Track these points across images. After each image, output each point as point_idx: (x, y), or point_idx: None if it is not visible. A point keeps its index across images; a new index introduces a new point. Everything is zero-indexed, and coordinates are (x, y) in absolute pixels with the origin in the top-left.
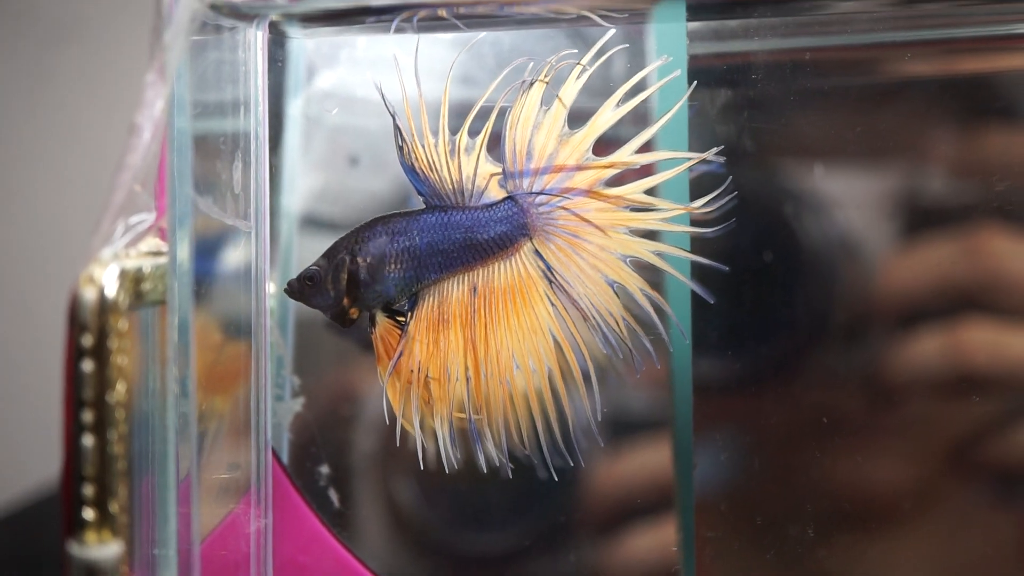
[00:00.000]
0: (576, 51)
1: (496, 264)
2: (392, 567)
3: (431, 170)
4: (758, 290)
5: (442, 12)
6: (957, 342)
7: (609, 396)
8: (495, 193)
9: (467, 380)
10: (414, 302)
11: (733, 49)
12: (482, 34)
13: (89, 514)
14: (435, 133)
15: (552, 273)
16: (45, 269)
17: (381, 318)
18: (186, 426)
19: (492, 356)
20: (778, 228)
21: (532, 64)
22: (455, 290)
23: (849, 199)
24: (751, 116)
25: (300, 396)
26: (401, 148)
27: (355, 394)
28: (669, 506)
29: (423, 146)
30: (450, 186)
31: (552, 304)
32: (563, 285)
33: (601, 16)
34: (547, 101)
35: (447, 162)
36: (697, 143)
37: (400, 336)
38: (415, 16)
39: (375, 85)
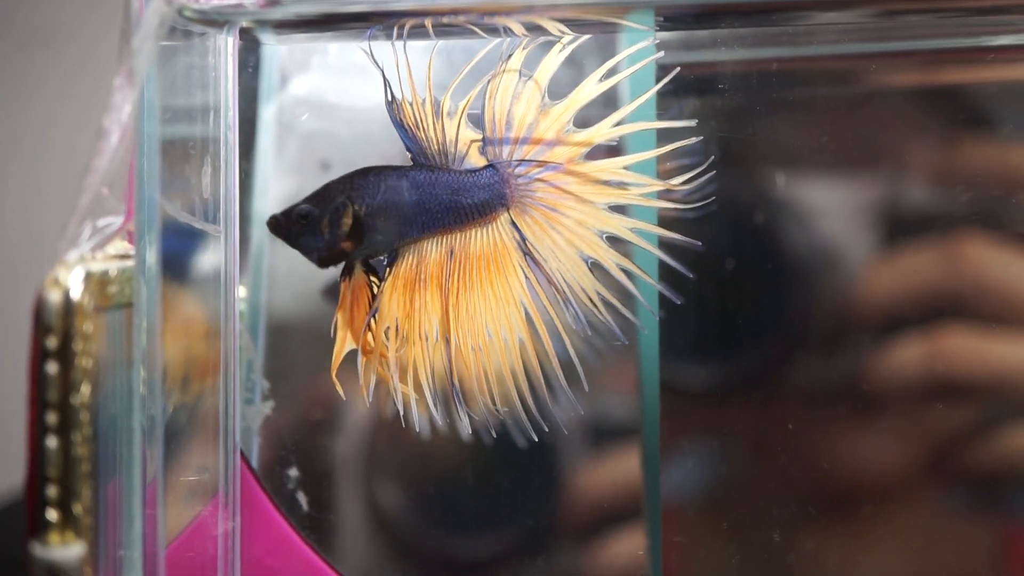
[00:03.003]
0: (559, 35)
1: (473, 230)
2: (362, 570)
3: (418, 128)
4: (726, 298)
5: (428, 23)
6: (936, 349)
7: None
8: (475, 159)
9: (447, 343)
10: (393, 258)
11: (701, 59)
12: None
13: (52, 515)
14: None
15: (526, 245)
16: (13, 271)
17: (359, 271)
18: (153, 428)
19: (464, 321)
20: (747, 236)
21: (509, 40)
22: (434, 251)
23: (818, 208)
24: (719, 125)
25: (270, 399)
26: (391, 103)
27: (326, 397)
28: (637, 511)
29: (411, 103)
30: (435, 147)
31: (525, 276)
32: (536, 258)
33: (571, 26)
34: (526, 73)
35: (433, 122)
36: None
37: (375, 291)
38: (404, 25)
39: (363, 49)
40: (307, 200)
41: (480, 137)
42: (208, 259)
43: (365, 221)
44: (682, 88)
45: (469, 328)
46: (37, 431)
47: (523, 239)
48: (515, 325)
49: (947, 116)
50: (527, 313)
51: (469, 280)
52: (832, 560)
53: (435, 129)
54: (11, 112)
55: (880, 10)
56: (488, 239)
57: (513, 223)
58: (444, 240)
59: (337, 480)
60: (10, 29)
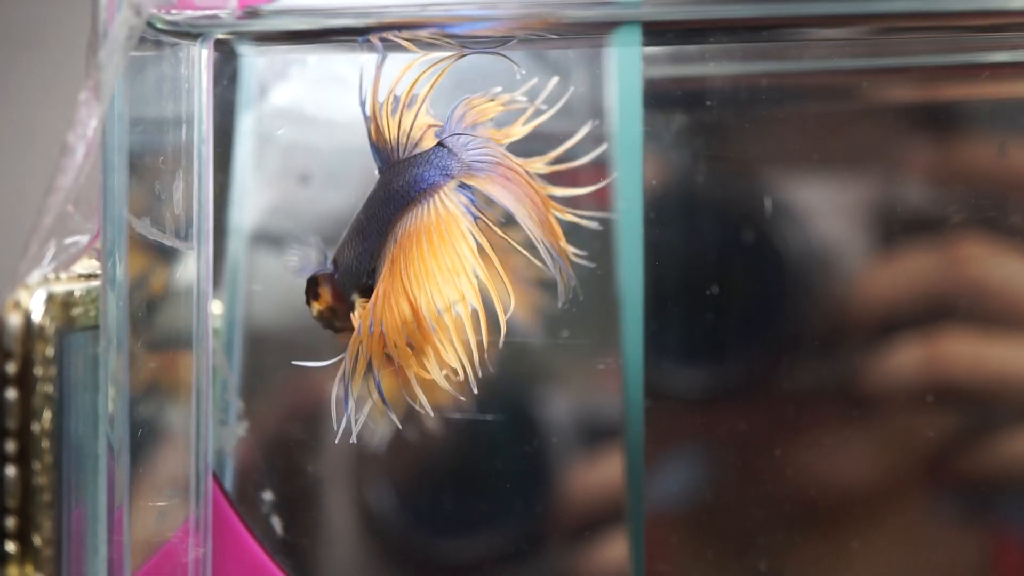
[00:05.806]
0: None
1: (413, 209)
2: None
3: (378, 134)
4: (714, 315)
5: (426, 35)
6: (934, 353)
7: (570, 435)
8: (429, 145)
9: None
10: (373, 279)
11: (690, 73)
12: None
13: (11, 547)
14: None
15: (475, 207)
16: None
17: (358, 302)
18: (120, 451)
19: (422, 301)
20: (740, 240)
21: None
22: (389, 249)
23: (813, 211)
24: (707, 142)
25: (244, 420)
26: (368, 122)
27: (302, 419)
28: (620, 539)
29: (380, 112)
30: (390, 146)
31: (476, 241)
32: (505, 207)
33: (559, 38)
34: (500, 123)
35: (388, 121)
36: (653, 166)
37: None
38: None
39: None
40: None
41: (439, 123)
42: (180, 275)
43: (331, 269)
44: (669, 103)
45: (426, 305)
46: None
47: (472, 200)
48: (466, 293)
49: (942, 130)
50: (479, 279)
51: (412, 260)
52: (824, 569)
53: (390, 125)
54: None
55: (874, 27)
56: (429, 211)
57: (462, 185)
58: (393, 233)
59: (313, 504)
60: None
